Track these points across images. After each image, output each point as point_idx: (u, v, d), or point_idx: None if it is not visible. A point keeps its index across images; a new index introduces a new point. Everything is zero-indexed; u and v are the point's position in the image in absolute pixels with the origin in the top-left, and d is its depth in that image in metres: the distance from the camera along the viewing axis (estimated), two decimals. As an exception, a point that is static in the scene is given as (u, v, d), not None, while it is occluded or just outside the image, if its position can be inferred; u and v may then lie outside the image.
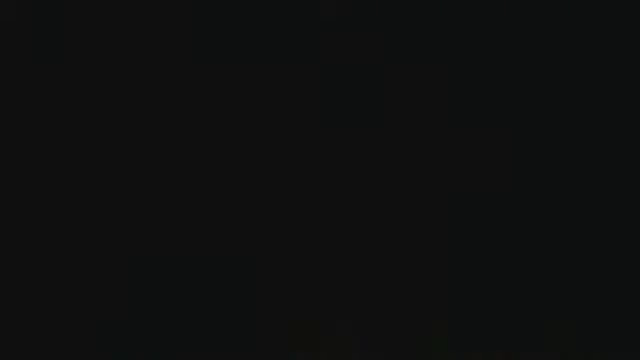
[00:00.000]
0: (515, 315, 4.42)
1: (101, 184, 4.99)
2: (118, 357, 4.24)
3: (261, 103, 5.29)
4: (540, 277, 4.58)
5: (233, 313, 4.45)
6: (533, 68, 5.31)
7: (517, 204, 4.90)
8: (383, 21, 5.37)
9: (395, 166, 5.10)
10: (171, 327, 4.39)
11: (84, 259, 4.74)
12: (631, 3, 5.23)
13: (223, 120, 5.23)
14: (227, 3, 5.31)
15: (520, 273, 4.59)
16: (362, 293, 4.53)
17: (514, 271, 4.60)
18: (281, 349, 4.29)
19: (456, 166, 5.08)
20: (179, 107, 5.24)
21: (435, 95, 5.32)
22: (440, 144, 5.16)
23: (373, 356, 4.23)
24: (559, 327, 4.33)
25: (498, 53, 5.33)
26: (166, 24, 5.28)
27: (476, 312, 4.41)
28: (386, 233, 4.83)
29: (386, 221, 4.88)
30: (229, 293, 4.52)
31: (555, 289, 4.54)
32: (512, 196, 4.90)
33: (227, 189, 5.02)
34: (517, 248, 4.72)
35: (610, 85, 5.24)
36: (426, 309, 4.40)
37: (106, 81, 5.22)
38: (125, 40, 5.26)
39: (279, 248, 4.77)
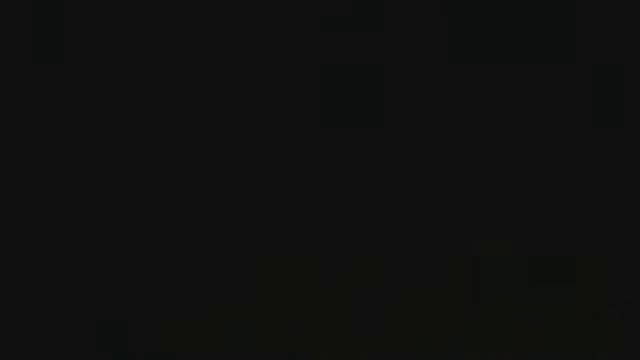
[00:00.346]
0: (516, 315, 4.42)
1: (100, 183, 4.99)
2: (118, 357, 4.24)
3: (261, 103, 5.30)
4: (541, 274, 4.58)
5: (233, 312, 4.45)
6: (532, 68, 5.31)
7: (516, 203, 4.90)
8: (383, 21, 5.37)
9: (395, 165, 5.10)
10: (171, 326, 4.39)
11: (83, 259, 4.74)
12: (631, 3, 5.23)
13: (223, 120, 5.23)
14: (227, 3, 5.31)
15: (516, 271, 4.60)
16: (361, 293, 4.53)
17: (513, 270, 4.60)
18: (282, 348, 4.29)
19: (456, 165, 5.08)
20: (179, 107, 5.24)
21: (435, 94, 5.32)
22: (441, 143, 5.16)
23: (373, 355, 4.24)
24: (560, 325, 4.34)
25: (498, 52, 5.34)
26: (165, 24, 5.28)
27: (476, 311, 4.41)
28: (387, 231, 4.83)
29: (387, 219, 4.88)
30: (230, 292, 4.53)
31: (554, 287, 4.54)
32: (510, 196, 4.90)
33: (228, 189, 5.02)
34: (512, 246, 4.72)
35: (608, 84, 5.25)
36: (426, 310, 4.40)
37: (106, 81, 5.22)
38: (125, 40, 5.26)
39: (279, 246, 4.78)
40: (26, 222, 4.84)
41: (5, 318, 4.44)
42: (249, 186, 5.02)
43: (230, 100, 5.26)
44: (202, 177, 5.05)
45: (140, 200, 4.94)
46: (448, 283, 4.51)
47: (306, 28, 5.29)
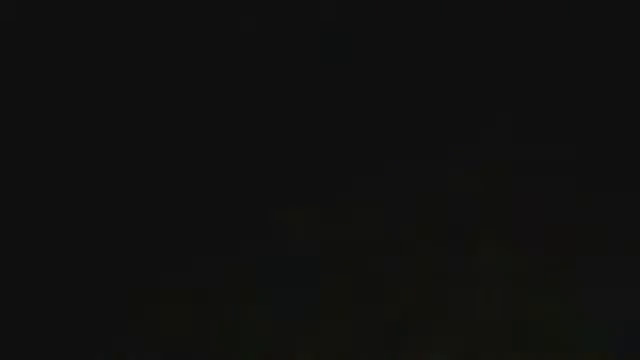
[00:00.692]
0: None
1: (101, 182, 5.00)
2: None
3: (261, 102, 5.30)
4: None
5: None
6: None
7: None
8: (382, 21, 5.37)
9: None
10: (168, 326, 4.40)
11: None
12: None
13: (222, 120, 5.24)
14: (227, 3, 5.32)
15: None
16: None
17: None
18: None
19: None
20: (179, 107, 5.25)
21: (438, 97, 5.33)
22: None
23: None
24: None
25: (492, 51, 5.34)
26: (164, 25, 5.29)
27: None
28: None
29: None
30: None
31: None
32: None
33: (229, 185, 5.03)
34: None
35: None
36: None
37: (106, 81, 5.23)
38: (124, 40, 5.26)
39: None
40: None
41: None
42: (250, 182, 5.02)
43: (229, 100, 5.27)
44: (202, 173, 5.05)
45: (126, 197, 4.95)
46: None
47: (306, 28, 5.30)
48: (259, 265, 4.61)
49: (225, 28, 5.32)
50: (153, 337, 4.23)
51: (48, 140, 5.07)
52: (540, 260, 4.51)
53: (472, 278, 4.45)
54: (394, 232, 4.76)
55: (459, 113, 5.32)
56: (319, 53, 5.32)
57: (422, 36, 5.39)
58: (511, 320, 4.18)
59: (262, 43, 5.34)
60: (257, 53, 5.32)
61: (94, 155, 5.06)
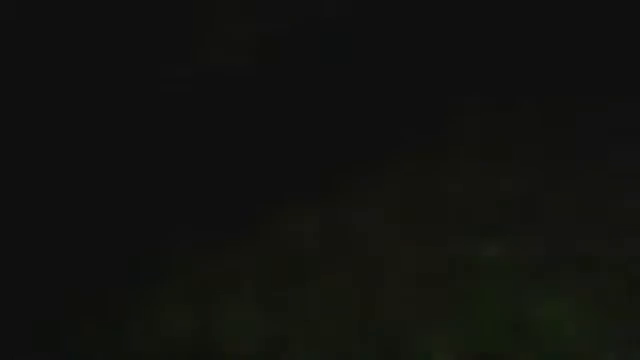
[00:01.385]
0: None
1: (99, 182, 5.00)
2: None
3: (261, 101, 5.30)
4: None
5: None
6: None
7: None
8: (383, 21, 5.37)
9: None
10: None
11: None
12: None
13: (221, 120, 5.24)
14: (227, 2, 5.32)
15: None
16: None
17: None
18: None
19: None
20: (179, 107, 5.25)
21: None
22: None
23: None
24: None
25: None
26: (162, 25, 5.29)
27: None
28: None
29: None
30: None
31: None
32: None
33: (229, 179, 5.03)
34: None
35: None
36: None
37: (106, 80, 5.23)
38: (125, 37, 5.26)
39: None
40: None
41: None
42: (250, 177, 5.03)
43: (228, 100, 5.27)
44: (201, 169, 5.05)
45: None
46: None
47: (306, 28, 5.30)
48: (259, 265, 4.61)
49: (225, 27, 5.32)
50: (153, 337, 4.23)
51: (48, 134, 5.07)
52: (540, 259, 4.52)
53: (472, 277, 4.45)
54: (394, 231, 4.76)
55: (459, 113, 5.32)
56: (319, 53, 5.32)
57: (422, 36, 5.39)
58: (511, 320, 4.18)
59: (262, 43, 5.34)
60: (257, 52, 5.33)
61: (93, 158, 5.06)
